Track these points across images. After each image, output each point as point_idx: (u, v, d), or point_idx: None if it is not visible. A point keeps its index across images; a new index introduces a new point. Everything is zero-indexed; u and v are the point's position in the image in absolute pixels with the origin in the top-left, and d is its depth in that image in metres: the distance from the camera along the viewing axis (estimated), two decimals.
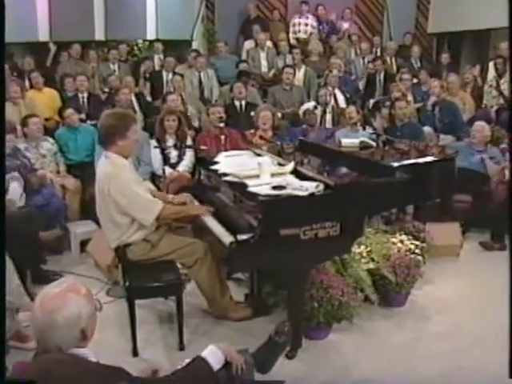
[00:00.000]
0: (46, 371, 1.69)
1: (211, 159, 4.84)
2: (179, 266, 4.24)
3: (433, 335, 4.30)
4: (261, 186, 3.81)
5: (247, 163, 4.50)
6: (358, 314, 4.31)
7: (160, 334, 4.36)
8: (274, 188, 3.74)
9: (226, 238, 3.77)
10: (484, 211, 6.14)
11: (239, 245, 3.56)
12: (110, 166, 4.00)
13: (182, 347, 4.07)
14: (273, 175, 4.06)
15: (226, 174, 4.28)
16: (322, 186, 3.72)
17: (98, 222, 5.87)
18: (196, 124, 7.60)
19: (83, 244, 5.85)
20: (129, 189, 3.96)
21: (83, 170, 6.58)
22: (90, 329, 2.22)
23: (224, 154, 4.98)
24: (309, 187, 3.68)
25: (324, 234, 3.62)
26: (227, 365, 2.68)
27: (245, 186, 3.91)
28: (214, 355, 2.62)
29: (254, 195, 3.70)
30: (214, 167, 4.57)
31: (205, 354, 2.62)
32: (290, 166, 4.24)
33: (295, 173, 4.15)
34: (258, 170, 4.09)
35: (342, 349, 4.13)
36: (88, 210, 6.27)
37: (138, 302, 4.13)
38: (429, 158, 4.65)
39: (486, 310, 4.52)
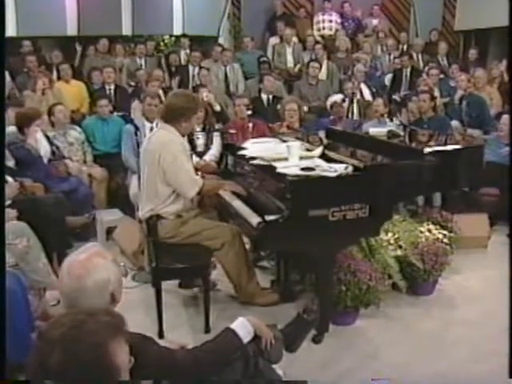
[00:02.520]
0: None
1: (239, 146, 4.85)
2: None
3: (461, 323, 4.25)
4: (289, 168, 3.80)
5: (275, 148, 4.50)
6: (385, 301, 4.28)
7: (186, 318, 4.37)
8: (303, 169, 3.72)
9: (254, 218, 3.76)
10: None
11: (267, 225, 3.56)
12: (166, 136, 4.14)
13: (207, 330, 4.06)
14: (301, 158, 4.05)
15: (253, 158, 4.28)
16: (350, 168, 3.70)
17: (124, 211, 5.99)
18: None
19: (109, 232, 5.88)
20: (179, 161, 4.07)
21: (110, 160, 6.64)
22: (117, 293, 2.22)
23: (251, 140, 4.99)
24: (338, 168, 3.67)
25: (353, 215, 3.60)
26: (256, 338, 2.67)
27: (273, 168, 3.90)
28: (243, 328, 2.61)
29: (283, 176, 3.68)
30: (242, 152, 4.57)
31: (234, 325, 2.61)
32: (319, 150, 4.23)
33: (323, 157, 4.14)
34: (286, 154, 4.08)
35: (368, 334, 4.09)
36: (114, 199, 6.35)
37: (163, 286, 4.14)
38: (457, 146, 4.61)
39: None
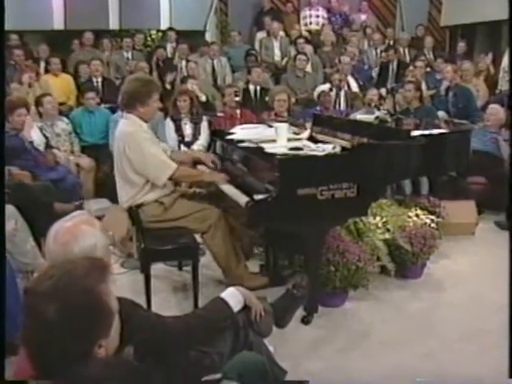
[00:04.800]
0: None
1: (227, 131, 4.86)
2: None
3: (450, 304, 4.28)
4: (278, 148, 3.81)
5: (263, 132, 4.51)
6: (374, 283, 4.33)
7: (175, 302, 4.37)
8: (291, 149, 3.74)
9: (242, 199, 3.76)
10: (499, 193, 6.09)
11: (256, 204, 3.56)
12: (128, 126, 4.06)
13: None
14: (289, 140, 4.06)
15: (242, 141, 4.29)
16: (338, 148, 3.72)
17: (112, 200, 5.96)
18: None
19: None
20: (143, 147, 4.00)
21: (97, 152, 6.68)
22: (106, 260, 2.20)
23: (239, 126, 5.00)
24: (326, 148, 3.68)
25: (341, 194, 3.60)
26: (246, 309, 2.66)
27: (261, 149, 3.91)
28: (233, 297, 2.61)
29: (271, 155, 3.69)
30: (230, 137, 4.57)
31: (224, 294, 2.61)
32: (306, 132, 4.26)
33: (311, 139, 4.15)
34: (274, 137, 4.09)
35: (358, 315, 4.10)
36: (102, 189, 6.33)
37: (152, 272, 4.13)
38: (444, 130, 4.65)
39: (502, 283, 4.44)
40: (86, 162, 6.39)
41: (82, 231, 2.14)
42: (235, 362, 2.27)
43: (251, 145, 4.12)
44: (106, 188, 6.24)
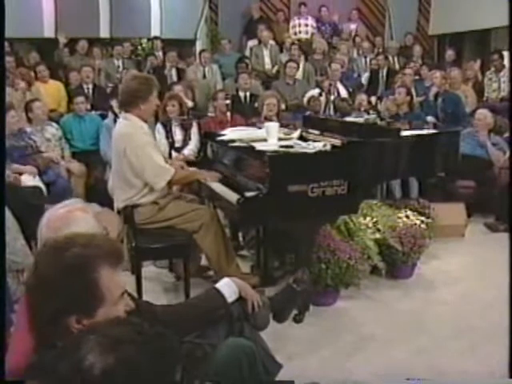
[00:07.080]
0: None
1: (218, 133, 4.88)
2: None
3: (441, 303, 4.30)
4: (268, 146, 3.83)
5: (254, 132, 4.53)
6: (365, 283, 4.34)
7: (165, 301, 4.34)
8: (282, 147, 3.76)
9: (233, 197, 3.77)
10: (488, 196, 6.14)
11: (247, 200, 3.58)
12: (128, 127, 4.06)
13: None
14: (280, 139, 4.08)
15: (232, 141, 4.30)
16: (329, 146, 3.74)
17: (102, 205, 5.94)
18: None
19: None
20: (144, 151, 3.99)
21: (88, 158, 6.64)
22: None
23: (230, 129, 5.02)
24: (316, 146, 3.70)
25: (331, 192, 3.63)
26: (241, 300, 2.60)
27: (252, 148, 3.93)
28: (228, 287, 2.57)
29: (262, 153, 3.71)
30: (221, 138, 4.59)
31: (219, 285, 2.58)
32: (297, 133, 4.28)
33: (301, 139, 4.17)
34: (264, 136, 4.11)
35: (350, 313, 4.12)
36: (93, 195, 6.29)
37: (143, 274, 4.14)
38: (433, 130, 4.68)
39: (493, 282, 4.48)
40: (76, 167, 6.36)
41: (74, 217, 2.13)
42: (223, 346, 2.26)
43: (242, 144, 4.14)
44: (96, 193, 6.23)
